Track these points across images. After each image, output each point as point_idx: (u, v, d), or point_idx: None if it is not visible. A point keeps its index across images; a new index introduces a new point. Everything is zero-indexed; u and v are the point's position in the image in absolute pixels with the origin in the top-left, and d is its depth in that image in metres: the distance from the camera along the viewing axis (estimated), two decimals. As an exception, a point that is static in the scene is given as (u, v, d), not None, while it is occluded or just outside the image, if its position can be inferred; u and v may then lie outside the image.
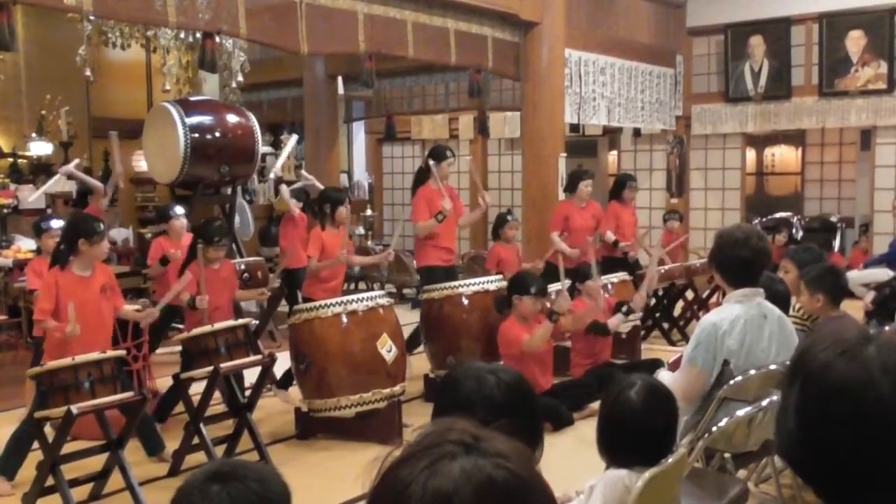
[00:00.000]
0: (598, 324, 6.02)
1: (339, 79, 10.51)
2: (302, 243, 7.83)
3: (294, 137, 8.82)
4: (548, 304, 5.77)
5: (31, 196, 7.40)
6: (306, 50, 6.37)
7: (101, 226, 4.67)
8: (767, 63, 10.37)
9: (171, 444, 5.00)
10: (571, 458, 4.30)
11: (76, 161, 6.88)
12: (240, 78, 8.91)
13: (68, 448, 4.35)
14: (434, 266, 6.53)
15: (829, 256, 7.88)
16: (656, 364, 5.45)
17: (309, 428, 5.48)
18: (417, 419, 5.06)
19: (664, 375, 3.50)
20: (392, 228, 12.26)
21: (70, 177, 7.15)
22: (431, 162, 6.41)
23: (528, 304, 5.56)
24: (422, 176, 6.55)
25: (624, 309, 6.07)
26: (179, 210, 6.49)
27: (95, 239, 4.55)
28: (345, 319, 5.29)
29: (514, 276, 6.10)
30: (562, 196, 8.03)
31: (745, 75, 10.55)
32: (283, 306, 8.26)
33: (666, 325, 8.35)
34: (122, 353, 4.46)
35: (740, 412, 3.28)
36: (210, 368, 4.76)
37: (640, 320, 7.69)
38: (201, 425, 4.78)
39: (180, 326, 6.68)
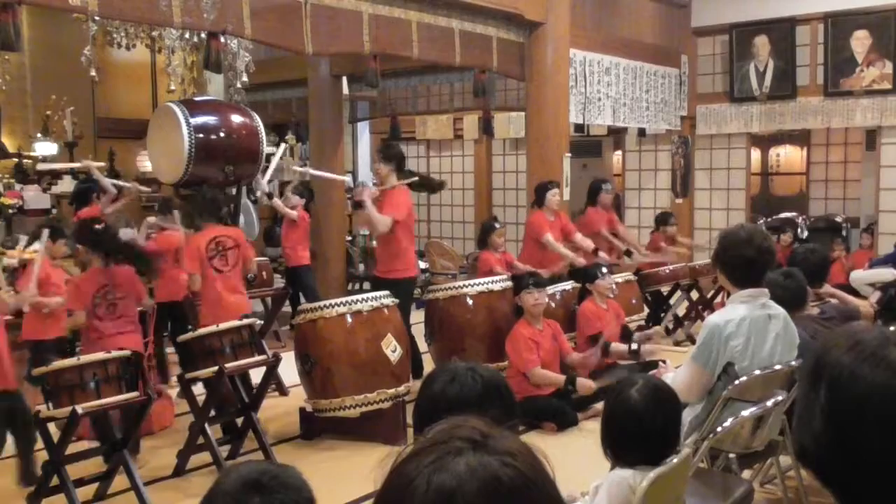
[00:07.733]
0: (597, 338, 6.09)
1: (344, 79, 10.49)
2: (302, 243, 7.96)
3: (282, 147, 8.32)
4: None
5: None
6: (311, 50, 6.36)
7: None
8: (772, 63, 10.35)
9: (177, 444, 5.02)
10: (576, 459, 4.29)
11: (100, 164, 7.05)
12: (244, 78, 8.89)
13: (73, 448, 4.36)
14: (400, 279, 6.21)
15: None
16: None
17: (314, 428, 5.48)
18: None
19: (667, 374, 3.51)
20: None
21: (87, 175, 7.22)
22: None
23: (525, 298, 5.72)
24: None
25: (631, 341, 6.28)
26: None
27: None
28: (349, 319, 5.29)
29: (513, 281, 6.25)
30: (567, 196, 8.03)
31: (749, 75, 10.53)
32: (288, 307, 8.28)
33: (670, 326, 8.34)
34: (127, 353, 4.46)
35: (745, 412, 3.27)
36: (215, 368, 4.77)
37: (644, 321, 7.71)
38: (206, 425, 4.79)
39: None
